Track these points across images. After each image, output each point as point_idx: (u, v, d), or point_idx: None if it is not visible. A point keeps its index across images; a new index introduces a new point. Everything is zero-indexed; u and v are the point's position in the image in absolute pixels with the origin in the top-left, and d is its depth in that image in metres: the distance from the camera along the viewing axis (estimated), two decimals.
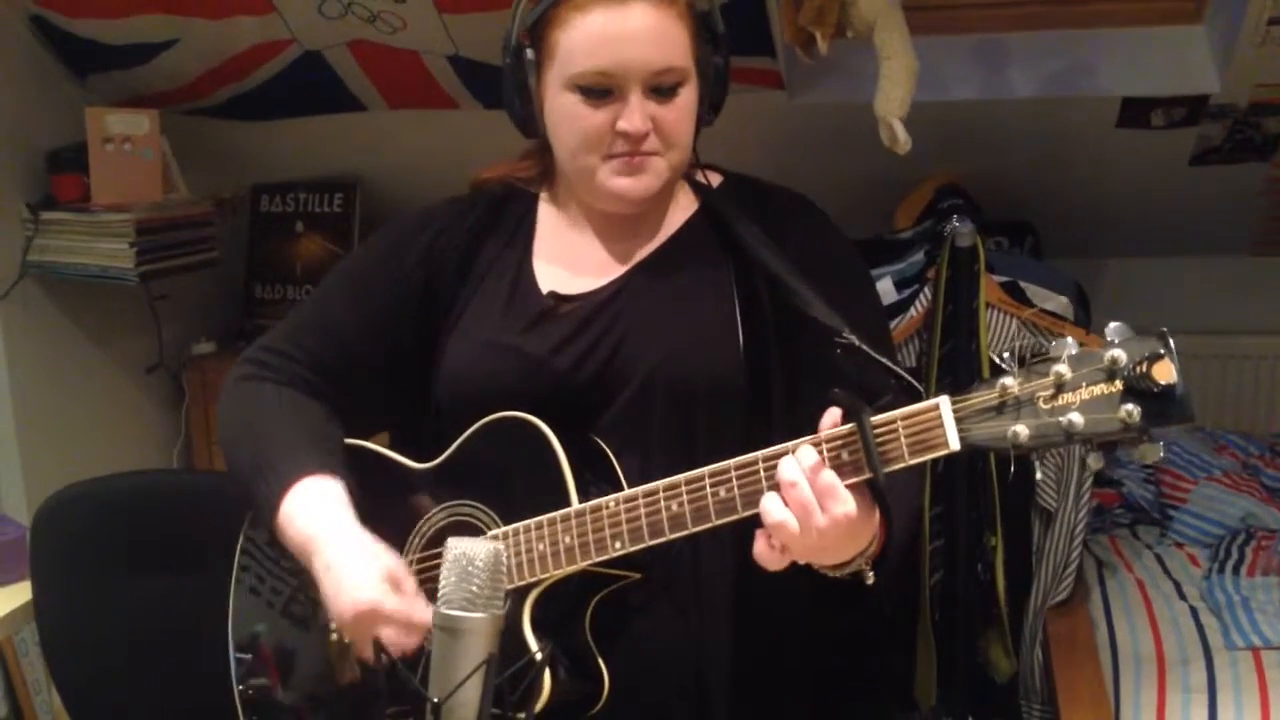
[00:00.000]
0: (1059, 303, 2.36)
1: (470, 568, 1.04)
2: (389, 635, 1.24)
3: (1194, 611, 2.25)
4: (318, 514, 1.33)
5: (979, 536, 2.36)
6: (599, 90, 1.33)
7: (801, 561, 1.19)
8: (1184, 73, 2.49)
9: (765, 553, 1.18)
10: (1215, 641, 2.14)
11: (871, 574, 1.22)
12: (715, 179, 1.48)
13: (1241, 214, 2.87)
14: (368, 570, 1.28)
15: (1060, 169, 2.77)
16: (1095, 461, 1.07)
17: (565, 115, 1.36)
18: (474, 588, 1.04)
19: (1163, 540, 2.57)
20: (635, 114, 1.32)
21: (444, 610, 1.04)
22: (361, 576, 1.27)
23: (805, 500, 1.14)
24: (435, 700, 1.02)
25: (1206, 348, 2.92)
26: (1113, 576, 2.43)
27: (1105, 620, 2.28)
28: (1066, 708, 2.10)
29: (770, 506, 1.15)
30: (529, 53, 1.37)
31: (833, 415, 1.17)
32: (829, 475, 1.14)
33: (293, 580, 1.48)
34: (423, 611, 1.25)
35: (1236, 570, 2.34)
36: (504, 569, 1.08)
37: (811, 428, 1.18)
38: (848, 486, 1.14)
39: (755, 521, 1.19)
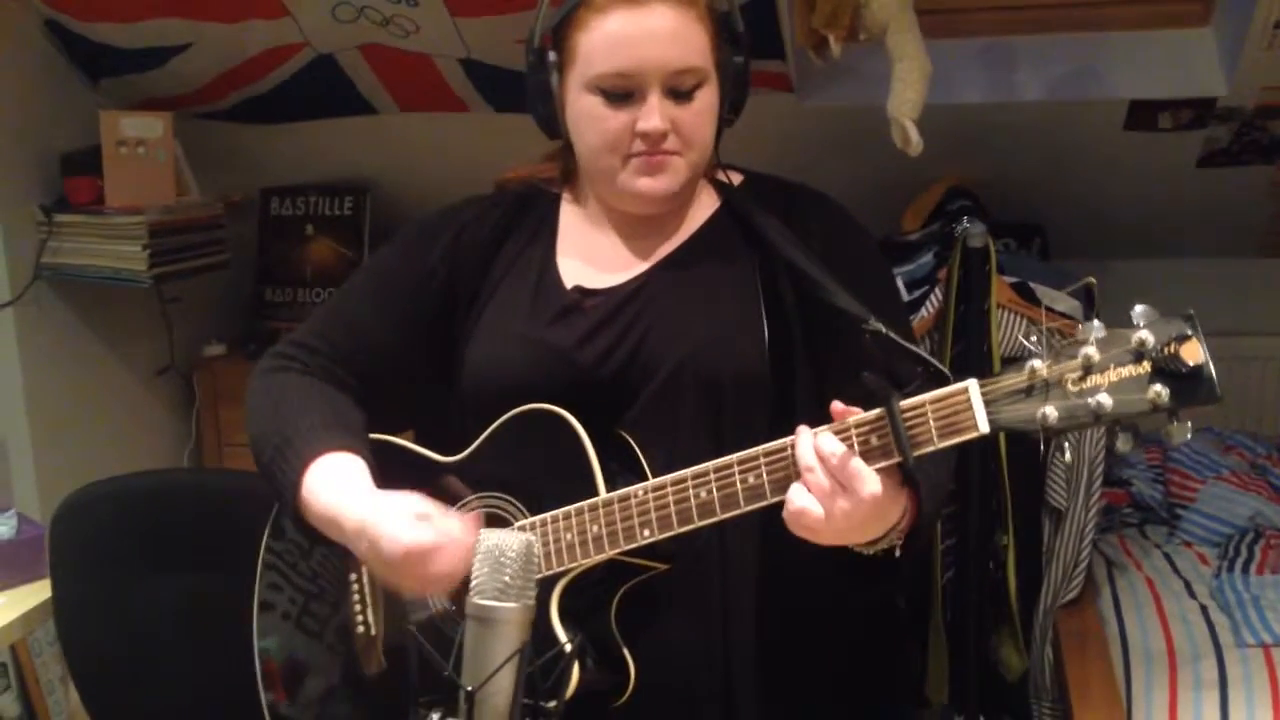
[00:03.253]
0: (1068, 304, 2.37)
1: (503, 559, 1.05)
2: (441, 568, 1.24)
3: (1204, 609, 2.26)
4: (337, 486, 1.34)
5: (990, 536, 2.37)
6: (619, 92, 1.35)
7: (831, 543, 1.20)
8: (1191, 75, 2.50)
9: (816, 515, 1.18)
10: (1226, 639, 2.15)
11: (900, 548, 1.23)
12: (736, 178, 1.50)
13: (1248, 216, 2.88)
14: (397, 516, 1.27)
15: (1068, 171, 2.78)
16: (1124, 444, 1.08)
17: (586, 117, 1.37)
18: (506, 578, 1.05)
19: (1171, 539, 2.58)
20: (654, 114, 1.34)
21: (477, 600, 1.05)
22: (393, 524, 1.27)
23: (824, 485, 1.16)
24: (469, 689, 1.03)
25: (1214, 349, 2.86)
26: (1122, 575, 2.44)
27: (1116, 618, 2.29)
28: (1078, 705, 2.11)
29: (795, 494, 1.17)
30: (551, 55, 1.39)
31: (840, 410, 1.18)
32: (855, 461, 1.15)
33: (318, 575, 1.49)
34: (461, 530, 1.25)
35: (1246, 569, 2.35)
36: (536, 560, 1.09)
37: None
38: (879, 470, 1.16)
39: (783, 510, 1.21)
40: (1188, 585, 2.36)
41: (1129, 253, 2.99)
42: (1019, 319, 2.33)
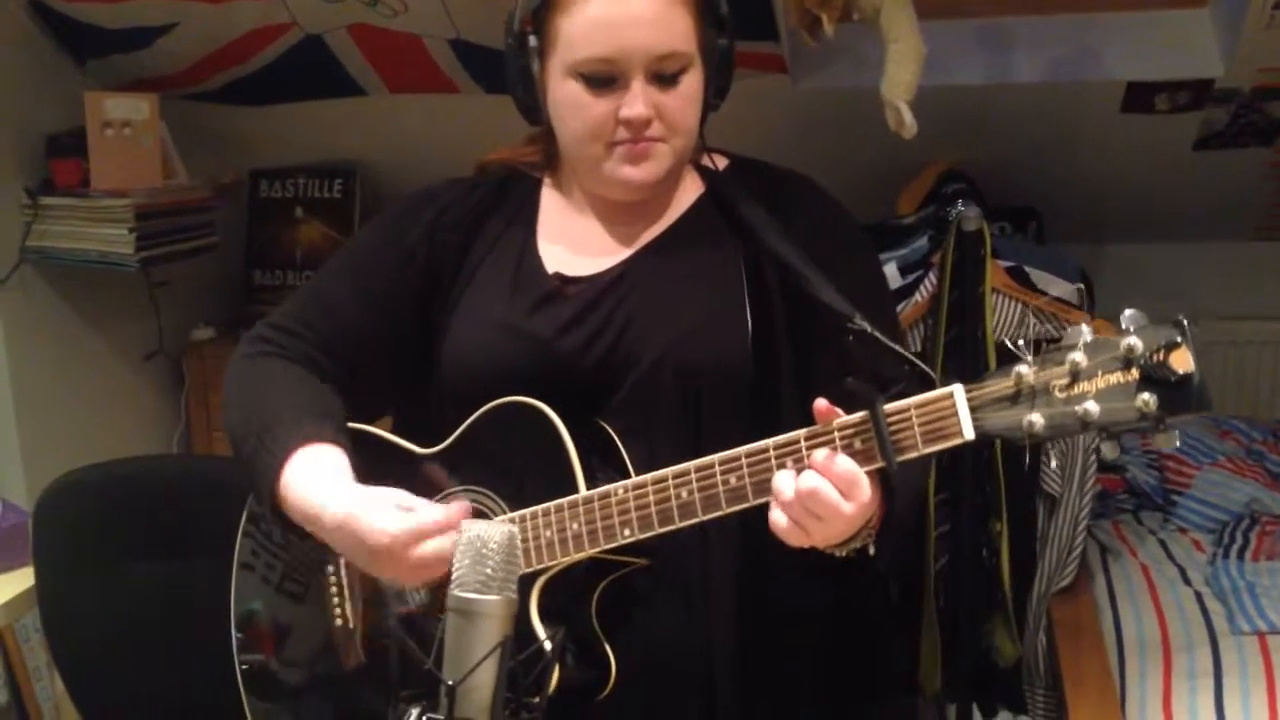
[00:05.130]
0: (1064, 288, 2.35)
1: (484, 550, 1.04)
2: (427, 555, 1.22)
3: (1199, 596, 2.25)
4: (317, 479, 1.31)
5: (984, 522, 2.35)
6: (601, 78, 1.32)
7: (818, 545, 1.19)
8: (1188, 57, 2.48)
9: (789, 531, 1.18)
10: (1220, 626, 2.14)
11: (874, 547, 1.22)
12: (721, 162, 1.48)
13: (1245, 199, 2.86)
14: (380, 508, 1.25)
15: (1064, 154, 2.76)
16: (1110, 451, 1.06)
17: (568, 103, 1.35)
18: (488, 570, 1.03)
19: (1166, 526, 2.57)
20: (637, 101, 1.31)
21: (458, 593, 1.03)
22: (377, 515, 1.24)
23: (830, 502, 1.14)
24: (450, 684, 1.01)
25: (1210, 333, 2.91)
26: (1117, 562, 2.43)
27: (1110, 605, 2.28)
28: (1072, 693, 2.10)
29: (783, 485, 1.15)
30: (532, 39, 1.36)
31: (823, 406, 1.16)
32: (848, 464, 1.14)
33: (296, 564, 1.47)
34: (445, 517, 1.23)
35: (1241, 555, 2.34)
36: (518, 552, 1.07)
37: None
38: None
39: (765, 509, 1.19)
40: (1183, 572, 2.35)
41: (1125, 236, 2.98)
42: (1014, 303, 2.31)
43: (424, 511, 1.24)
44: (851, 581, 1.32)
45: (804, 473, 1.15)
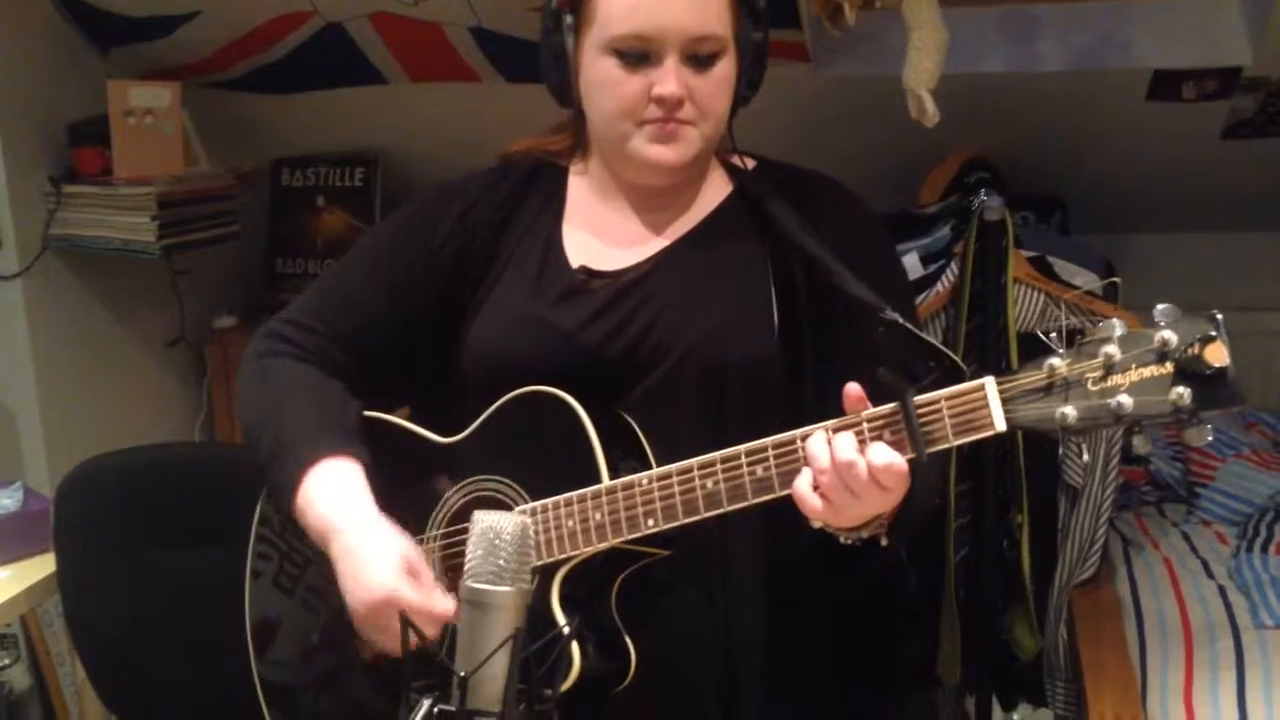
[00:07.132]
0: (1088, 278, 2.33)
1: (497, 541, 1.03)
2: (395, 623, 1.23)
3: (1222, 590, 2.23)
4: (336, 498, 1.33)
5: (1005, 514, 2.34)
6: (636, 55, 1.32)
7: (841, 523, 1.19)
8: (1216, 44, 2.45)
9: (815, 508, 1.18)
10: (1243, 620, 2.12)
11: (885, 538, 1.22)
12: (749, 164, 1.48)
13: (1273, 189, 2.82)
14: (387, 558, 1.27)
15: (1089, 143, 2.74)
16: (1142, 445, 1.06)
17: (601, 80, 1.35)
18: (501, 561, 1.03)
19: (1190, 518, 2.55)
20: (670, 79, 1.31)
21: (471, 584, 1.03)
22: (380, 564, 1.27)
23: (837, 486, 1.14)
24: (462, 674, 1.01)
25: (1235, 324, 2.77)
26: (1139, 554, 2.41)
27: (1132, 598, 2.26)
28: (1092, 686, 2.08)
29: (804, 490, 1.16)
30: (568, 18, 1.36)
31: (855, 391, 1.16)
32: (884, 450, 1.13)
33: (310, 553, 1.47)
34: (442, 602, 1.25)
35: (1265, 549, 2.32)
36: (531, 543, 1.07)
37: (843, 410, 1.17)
38: None
39: (788, 500, 1.19)
40: (1205, 565, 2.33)
41: (1151, 226, 2.95)
42: (1037, 294, 2.29)
43: (417, 587, 1.26)
44: (865, 570, 1.31)
45: (842, 444, 1.14)
